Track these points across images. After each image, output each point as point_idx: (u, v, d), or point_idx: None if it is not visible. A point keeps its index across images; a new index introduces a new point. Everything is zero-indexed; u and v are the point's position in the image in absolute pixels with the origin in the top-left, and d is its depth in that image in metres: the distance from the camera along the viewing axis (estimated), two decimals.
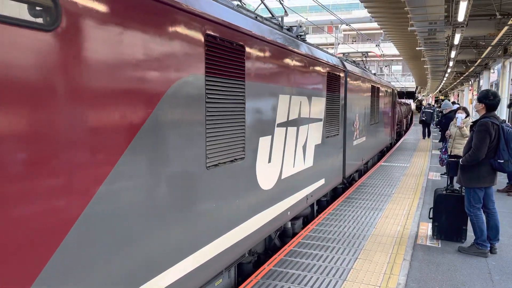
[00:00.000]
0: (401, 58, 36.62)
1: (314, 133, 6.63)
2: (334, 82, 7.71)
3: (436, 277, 4.90)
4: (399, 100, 28.93)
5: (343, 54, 13.29)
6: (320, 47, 8.43)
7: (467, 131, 8.58)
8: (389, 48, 38.55)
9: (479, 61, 21.82)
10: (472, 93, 31.08)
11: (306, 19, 23.87)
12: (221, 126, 3.83)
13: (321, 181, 7.27)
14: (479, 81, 26.92)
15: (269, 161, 5.01)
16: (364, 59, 14.48)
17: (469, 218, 5.71)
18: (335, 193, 9.46)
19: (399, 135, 24.83)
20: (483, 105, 5.53)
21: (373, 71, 16.45)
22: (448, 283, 4.76)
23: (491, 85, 24.00)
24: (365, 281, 4.65)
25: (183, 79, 3.20)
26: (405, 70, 57.15)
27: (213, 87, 3.64)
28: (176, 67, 3.11)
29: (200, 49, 3.41)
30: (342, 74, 8.39)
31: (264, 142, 4.83)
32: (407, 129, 31.07)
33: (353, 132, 9.69)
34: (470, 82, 33.00)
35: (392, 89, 18.11)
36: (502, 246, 5.89)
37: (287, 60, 5.44)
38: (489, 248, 5.61)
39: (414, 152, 16.65)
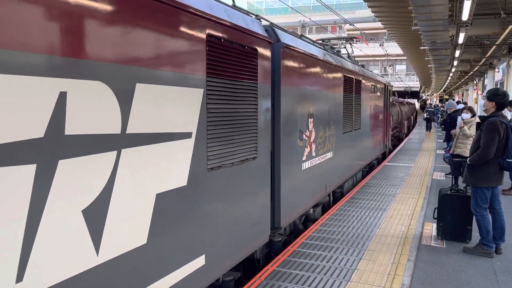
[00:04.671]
0: (405, 57, 36.53)
1: (151, 167, 3.05)
2: (235, 59, 4.18)
3: (441, 278, 4.86)
4: (400, 99, 28.26)
5: (322, 40, 10.29)
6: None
7: (467, 130, 8.55)
8: (393, 48, 38.43)
9: (483, 60, 21.73)
10: (477, 92, 30.95)
11: (310, 19, 23.84)
12: None
13: (193, 265, 3.61)
14: (483, 80, 26.82)
15: None
16: (346, 44, 11.34)
17: (475, 218, 5.67)
18: (271, 247, 5.79)
19: (400, 139, 22.47)
20: (493, 103, 5.49)
21: (375, 71, 15.73)
22: (453, 283, 4.73)
23: (496, 84, 23.90)
24: (369, 282, 4.62)
25: None
26: (409, 69, 57.01)
27: None
28: None
29: None
30: (266, 51, 4.86)
31: None
32: (410, 131, 28.94)
33: (302, 148, 6.08)
34: (475, 81, 32.87)
35: (385, 84, 14.16)
36: (508, 247, 5.84)
37: None
38: (494, 249, 5.57)
39: (418, 151, 16.58)
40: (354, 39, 11.86)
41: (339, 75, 8.09)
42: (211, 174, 3.82)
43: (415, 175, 11.33)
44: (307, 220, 7.10)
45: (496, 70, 23.81)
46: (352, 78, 9.07)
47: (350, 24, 25.02)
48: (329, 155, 7.53)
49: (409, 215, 7.34)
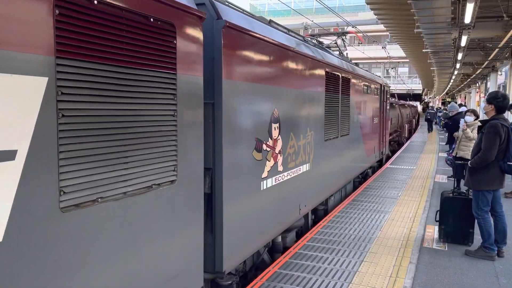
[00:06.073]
0: (407, 60, 36.53)
1: None
2: (127, 35, 2.73)
3: (442, 281, 4.86)
4: (400, 101, 27.96)
5: (312, 35, 9.44)
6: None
7: (470, 133, 8.56)
8: (396, 50, 38.42)
9: (486, 63, 21.72)
10: (479, 95, 30.93)
11: (312, 21, 23.88)
12: None
13: None
14: (486, 83, 26.79)
15: None
16: (338, 39, 10.24)
17: (476, 221, 5.67)
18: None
19: (400, 144, 21.55)
20: (493, 106, 5.51)
21: (378, 73, 15.32)
22: (455, 286, 4.72)
23: (499, 87, 23.87)
24: (371, 284, 4.63)
25: None
26: (411, 72, 56.97)
27: None
28: None
29: None
30: (193, 30, 3.41)
31: None
32: (412, 134, 28.15)
33: (262, 162, 4.72)
34: (477, 84, 32.83)
35: (381, 84, 12.64)
36: (510, 250, 5.83)
37: None
38: (496, 252, 5.57)
39: (420, 154, 16.57)
40: (347, 34, 10.96)
41: (320, 71, 6.69)
42: (70, 217, 2.34)
43: (417, 177, 11.32)
44: (274, 250, 5.77)
45: (499, 73, 23.79)
46: (338, 75, 7.69)
47: (353, 27, 25.05)
48: (305, 167, 6.13)
49: (411, 217, 7.33)
